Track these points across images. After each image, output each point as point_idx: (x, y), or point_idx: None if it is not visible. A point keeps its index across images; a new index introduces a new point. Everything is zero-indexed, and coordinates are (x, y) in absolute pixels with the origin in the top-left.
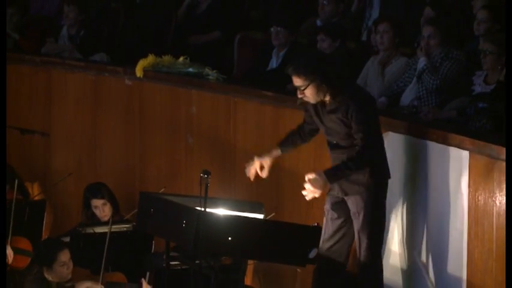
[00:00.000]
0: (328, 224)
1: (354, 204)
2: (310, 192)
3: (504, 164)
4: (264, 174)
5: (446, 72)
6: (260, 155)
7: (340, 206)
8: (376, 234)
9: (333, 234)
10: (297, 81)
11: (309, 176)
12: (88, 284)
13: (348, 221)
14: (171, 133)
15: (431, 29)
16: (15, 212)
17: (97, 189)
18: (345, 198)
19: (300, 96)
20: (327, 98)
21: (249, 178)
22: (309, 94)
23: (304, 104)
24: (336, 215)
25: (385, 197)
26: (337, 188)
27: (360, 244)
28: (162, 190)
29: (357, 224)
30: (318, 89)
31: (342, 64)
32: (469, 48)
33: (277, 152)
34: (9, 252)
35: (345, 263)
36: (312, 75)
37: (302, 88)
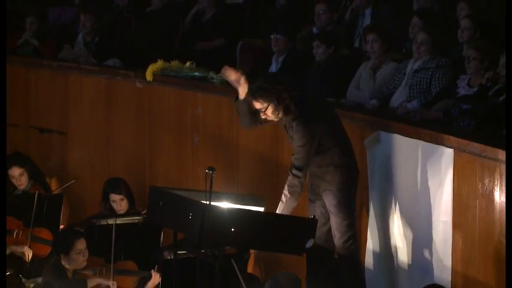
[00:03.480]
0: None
1: (327, 199)
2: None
3: (486, 160)
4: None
5: (439, 82)
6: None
7: (318, 198)
8: (347, 228)
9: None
10: (257, 105)
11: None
12: (99, 280)
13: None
14: (178, 132)
15: (423, 35)
16: (36, 205)
17: (116, 185)
18: (320, 192)
19: (263, 117)
20: (284, 117)
21: (250, 174)
22: (270, 114)
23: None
24: (315, 204)
25: (355, 193)
26: (312, 184)
27: (335, 238)
28: None
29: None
30: (277, 109)
31: (292, 82)
32: (454, 54)
33: None
34: (27, 250)
35: (330, 247)
36: (268, 98)
37: (263, 110)
